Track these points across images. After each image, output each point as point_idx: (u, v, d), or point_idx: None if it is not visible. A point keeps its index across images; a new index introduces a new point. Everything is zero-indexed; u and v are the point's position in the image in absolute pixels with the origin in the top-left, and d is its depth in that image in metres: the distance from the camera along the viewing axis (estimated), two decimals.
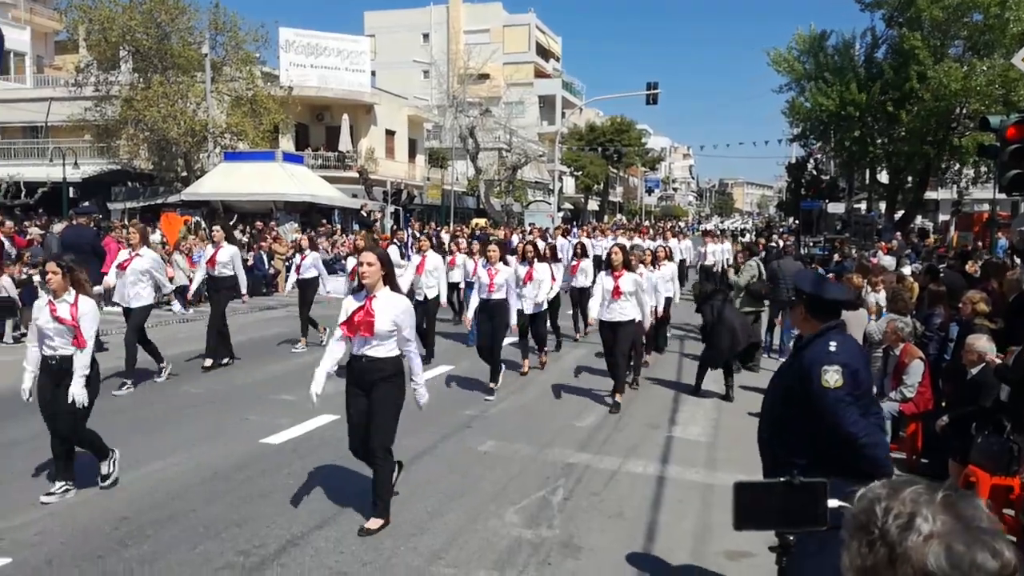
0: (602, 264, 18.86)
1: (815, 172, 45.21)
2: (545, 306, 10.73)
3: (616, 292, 8.50)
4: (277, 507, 5.59)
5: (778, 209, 76.00)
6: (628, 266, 8.75)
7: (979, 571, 1.12)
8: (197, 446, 6.99)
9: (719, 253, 20.54)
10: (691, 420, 8.53)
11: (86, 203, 21.08)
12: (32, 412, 7.88)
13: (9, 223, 16.47)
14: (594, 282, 9.81)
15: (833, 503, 2.47)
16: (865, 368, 3.64)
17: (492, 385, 9.37)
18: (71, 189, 27.06)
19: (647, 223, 45.82)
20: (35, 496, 5.64)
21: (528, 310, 10.28)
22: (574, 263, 13.18)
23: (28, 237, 15.38)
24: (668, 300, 11.99)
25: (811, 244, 28.74)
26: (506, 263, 9.63)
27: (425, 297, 10.94)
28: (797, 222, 40.58)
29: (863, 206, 38.70)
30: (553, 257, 11.92)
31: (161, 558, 4.71)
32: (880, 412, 3.87)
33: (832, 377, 3.40)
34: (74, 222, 12.90)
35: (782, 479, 2.56)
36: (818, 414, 3.43)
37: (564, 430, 7.89)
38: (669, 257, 12.78)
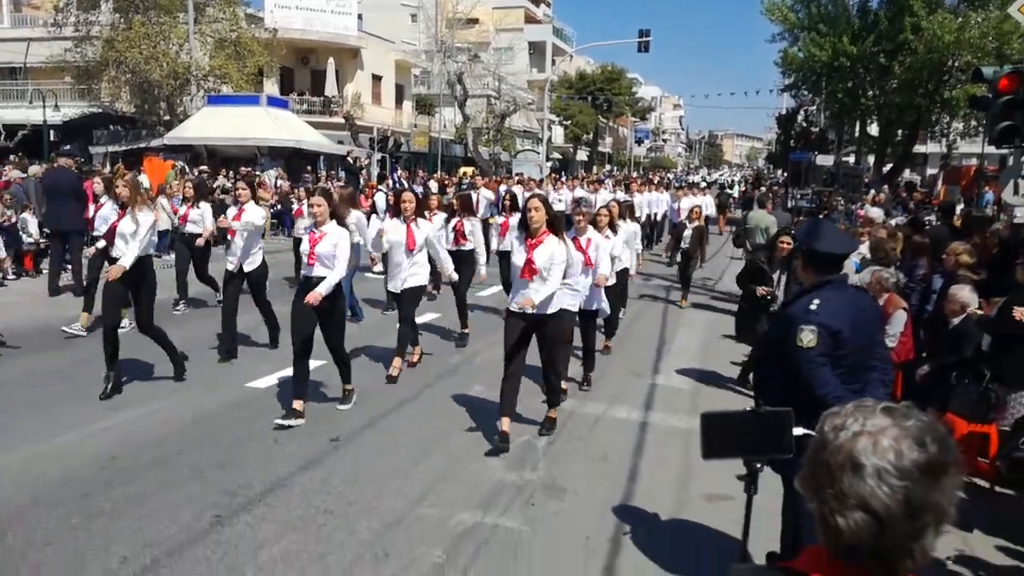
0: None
1: (805, 124, 44.88)
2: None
3: (528, 269, 5.74)
4: (262, 449, 5.63)
5: (767, 161, 75.81)
6: (553, 227, 5.84)
7: (904, 460, 1.16)
8: (183, 390, 6.99)
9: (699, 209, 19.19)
10: (675, 368, 8.60)
11: (67, 146, 20.71)
12: (25, 351, 7.86)
13: None
14: None
15: (799, 431, 2.53)
16: (854, 327, 3.50)
17: (463, 331, 9.28)
18: (52, 132, 26.58)
19: (598, 174, 44.74)
20: (17, 436, 5.65)
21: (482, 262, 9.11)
22: (502, 220, 10.34)
23: (6, 179, 15.11)
24: (623, 272, 9.25)
25: (799, 196, 28.72)
26: (424, 216, 7.82)
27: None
28: (786, 174, 40.50)
29: (852, 159, 38.58)
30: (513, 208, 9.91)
31: (148, 499, 4.74)
32: (886, 368, 3.76)
33: (806, 337, 3.41)
34: (55, 164, 12.66)
35: (747, 408, 2.61)
36: (795, 370, 3.46)
37: None
38: (626, 215, 9.97)
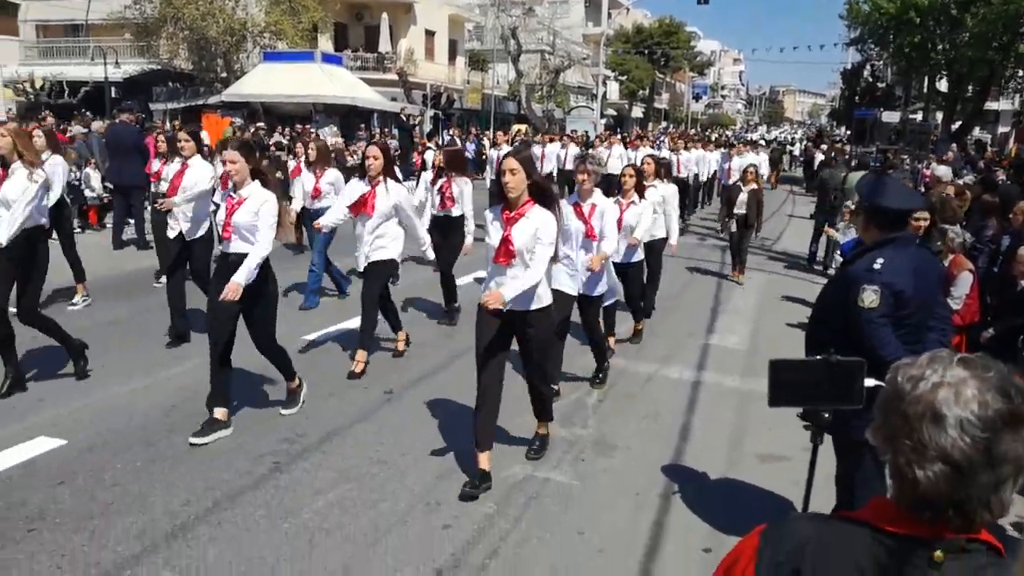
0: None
1: (871, 79, 43.40)
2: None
3: (504, 250, 4.37)
4: (318, 400, 5.74)
5: (830, 118, 73.51)
6: (540, 195, 4.42)
7: (988, 410, 1.15)
8: (242, 341, 7.15)
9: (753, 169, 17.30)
10: (729, 329, 8.48)
11: (128, 102, 21.11)
12: (92, 302, 8.14)
13: (50, 119, 16.62)
14: None
15: (870, 382, 2.48)
16: (917, 287, 3.38)
17: (446, 308, 8.14)
18: (113, 89, 27.10)
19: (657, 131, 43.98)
20: (87, 383, 5.87)
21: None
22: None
23: (70, 134, 15.49)
24: (659, 242, 8.47)
25: (863, 154, 27.85)
26: (396, 177, 6.69)
27: None
28: (849, 132, 39.28)
29: (919, 116, 37.17)
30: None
31: (209, 445, 4.89)
32: (944, 329, 3.64)
33: (868, 297, 3.30)
34: (117, 120, 12.93)
35: (819, 356, 2.55)
36: (856, 330, 3.37)
37: None
38: (661, 174, 8.67)
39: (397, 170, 7.41)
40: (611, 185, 9.37)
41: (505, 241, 4.29)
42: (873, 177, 4.08)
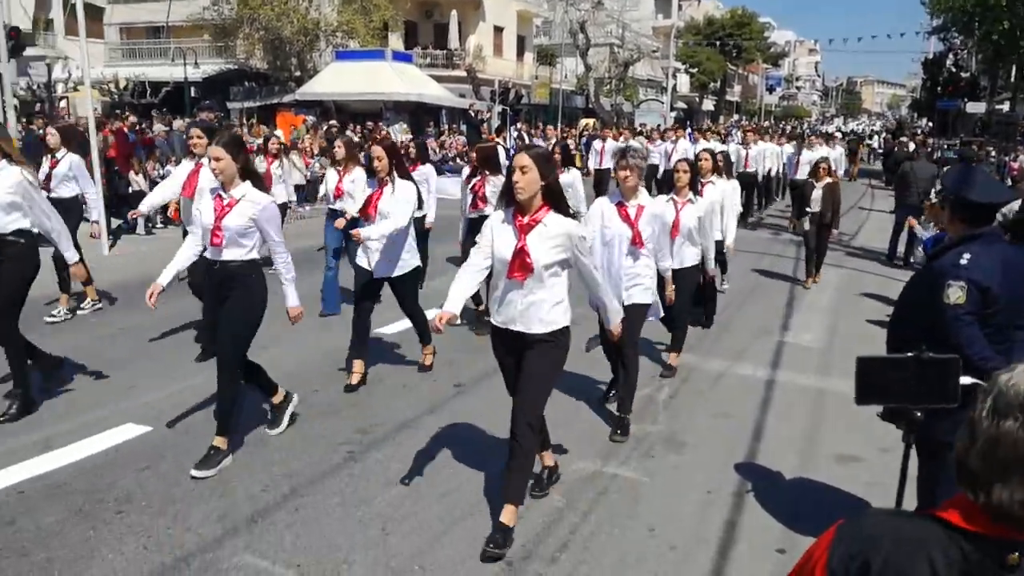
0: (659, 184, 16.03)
1: (954, 69, 41.66)
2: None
3: (520, 263, 3.68)
4: (391, 392, 5.85)
5: (910, 109, 70.94)
6: (556, 201, 3.75)
7: None
8: (316, 332, 7.33)
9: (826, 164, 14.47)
10: (805, 327, 8.29)
11: (207, 101, 21.82)
12: (168, 294, 8.44)
13: (132, 118, 17.27)
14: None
15: (966, 380, 2.39)
16: (1005, 284, 3.23)
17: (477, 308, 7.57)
18: (192, 88, 28.03)
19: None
20: (175, 372, 6.10)
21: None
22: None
23: (151, 135, 16.09)
24: (715, 249, 7.07)
25: (945, 147, 26.81)
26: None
27: None
28: (931, 124, 37.86)
29: (1006, 106, 35.55)
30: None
31: (287, 432, 5.03)
32: None
33: (953, 293, 3.19)
34: (198, 119, 13.39)
35: (910, 354, 2.48)
36: (941, 328, 3.25)
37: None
38: (720, 170, 8.10)
39: (428, 166, 8.30)
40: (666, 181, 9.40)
41: (521, 253, 3.62)
42: (960, 169, 3.92)
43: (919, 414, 2.60)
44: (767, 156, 16.40)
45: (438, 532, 3.89)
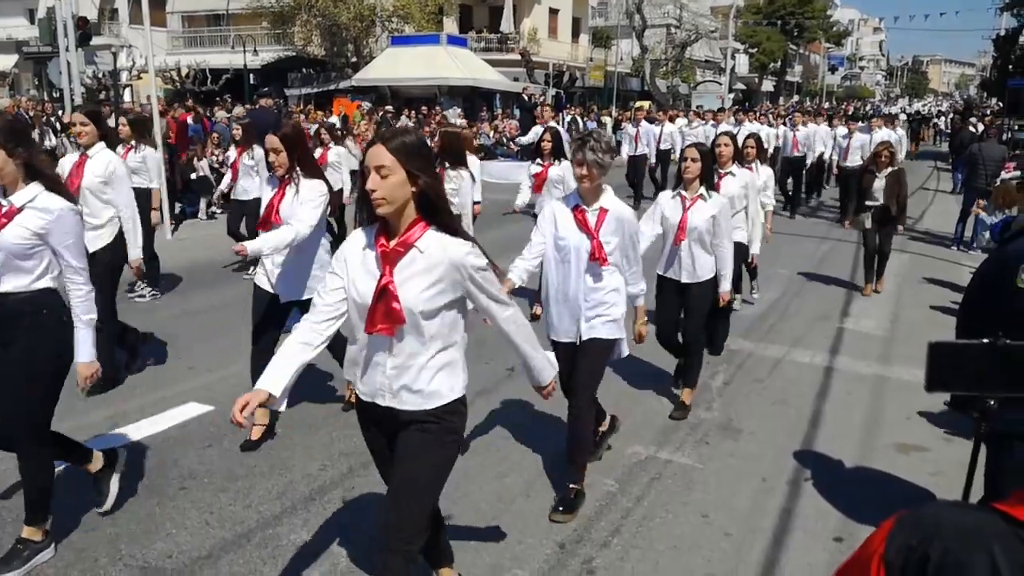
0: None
1: None
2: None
3: (384, 312, 2.48)
4: None
5: (980, 89, 68.35)
6: (431, 212, 2.57)
7: None
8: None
9: (866, 150, 12.19)
10: (865, 313, 8.09)
11: (265, 88, 22.19)
12: (222, 281, 8.68)
13: (191, 104, 17.59)
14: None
15: None
16: None
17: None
18: (251, 75, 28.55)
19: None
20: (235, 352, 6.26)
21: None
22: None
23: (214, 120, 16.44)
24: (739, 249, 6.14)
25: (1016, 128, 25.73)
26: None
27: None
28: (1000, 104, 36.37)
29: None
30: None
31: (342, 414, 5.12)
32: None
33: None
34: (258, 105, 13.64)
35: (984, 340, 2.41)
36: (1014, 312, 3.14)
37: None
38: (755, 154, 7.43)
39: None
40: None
41: (385, 296, 2.41)
42: None
43: (992, 403, 2.52)
44: (818, 139, 15.07)
45: (493, 513, 3.92)
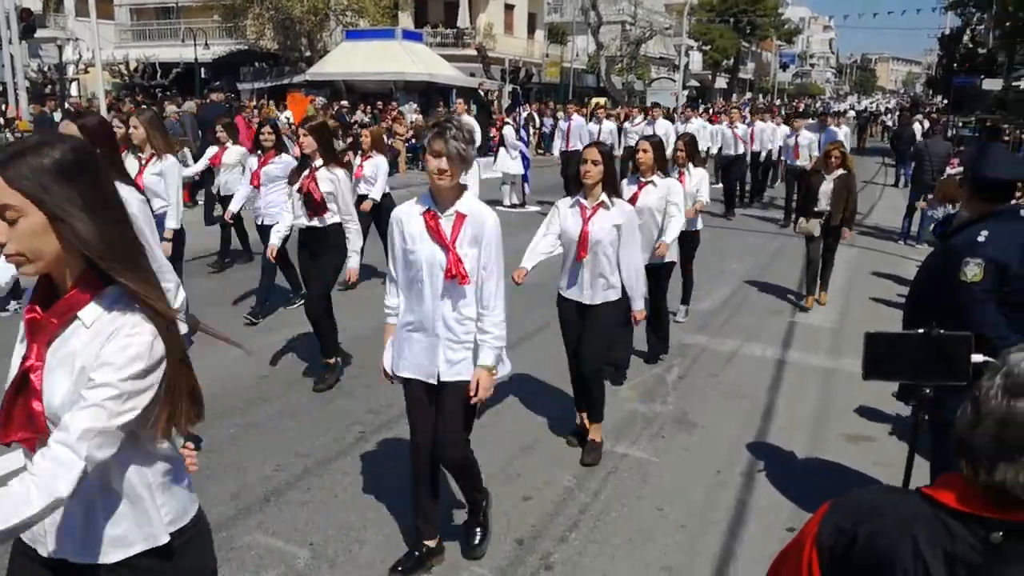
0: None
1: (971, 45, 41.11)
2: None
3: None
4: None
5: (926, 87, 70.17)
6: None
7: None
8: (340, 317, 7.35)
9: (814, 148, 12.37)
10: (816, 307, 8.25)
11: (217, 82, 21.82)
12: (184, 276, 8.50)
13: (141, 99, 17.23)
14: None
15: (978, 358, 2.40)
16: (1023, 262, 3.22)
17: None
18: (202, 69, 28.02)
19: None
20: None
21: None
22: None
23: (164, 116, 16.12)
24: (662, 269, 6.03)
25: (960, 124, 26.52)
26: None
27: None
28: (946, 101, 37.43)
29: (1023, 83, 35.06)
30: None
31: (299, 414, 5.08)
32: None
33: (971, 271, 3.16)
34: (208, 100, 13.40)
35: (920, 330, 2.49)
36: (957, 305, 3.24)
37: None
38: (687, 157, 7.04)
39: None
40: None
41: (24, 391, 1.62)
42: (978, 146, 3.89)
43: (928, 391, 2.61)
44: (766, 137, 14.99)
45: (450, 509, 3.92)
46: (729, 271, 9.62)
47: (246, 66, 30.42)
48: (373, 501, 4.00)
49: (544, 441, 4.80)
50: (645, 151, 5.69)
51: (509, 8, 38.96)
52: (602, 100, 32.29)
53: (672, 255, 6.02)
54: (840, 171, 7.82)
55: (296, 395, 5.40)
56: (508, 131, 14.68)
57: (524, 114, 25.42)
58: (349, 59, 26.25)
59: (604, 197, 4.42)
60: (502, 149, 14.66)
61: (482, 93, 25.42)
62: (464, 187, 3.19)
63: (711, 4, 53.63)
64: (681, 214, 5.72)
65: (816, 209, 7.82)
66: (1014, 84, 33.46)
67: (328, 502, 3.98)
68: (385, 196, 8.30)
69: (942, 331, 2.49)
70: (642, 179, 5.73)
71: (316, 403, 5.27)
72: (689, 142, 7.26)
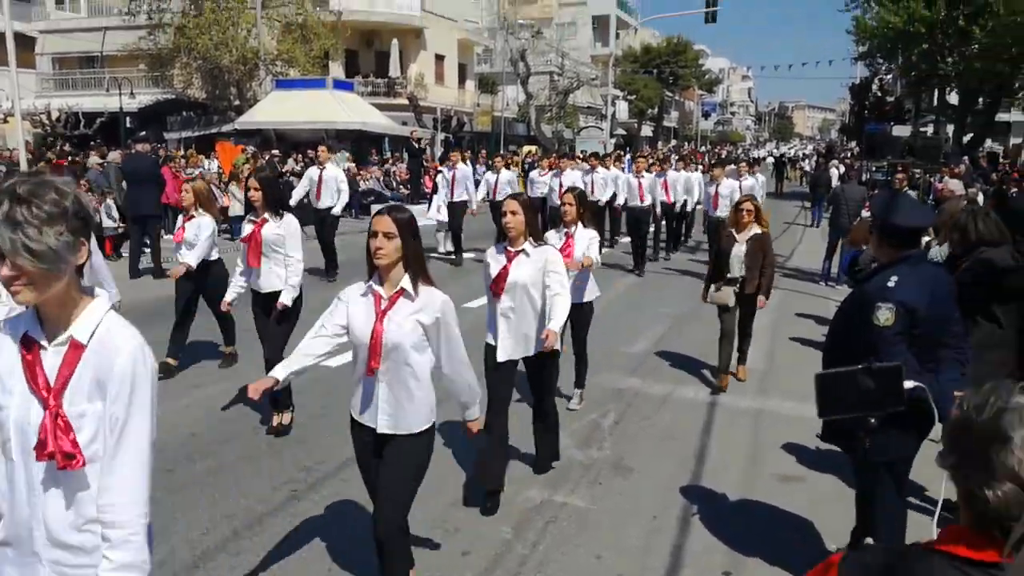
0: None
1: (880, 94, 43.43)
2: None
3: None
4: (335, 427, 5.76)
5: (840, 133, 73.54)
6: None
7: None
8: (259, 367, 7.20)
9: (739, 191, 11.79)
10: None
11: (143, 132, 21.41)
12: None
13: (68, 150, 16.81)
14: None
15: (908, 384, 2.58)
16: (932, 305, 3.38)
17: None
18: (127, 119, 27.47)
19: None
20: None
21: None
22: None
23: (87, 166, 15.73)
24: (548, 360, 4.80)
25: (873, 169, 27.78)
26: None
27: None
28: (859, 146, 39.21)
29: (930, 129, 37.11)
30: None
31: (227, 473, 4.93)
32: (961, 347, 3.62)
33: (883, 315, 3.31)
34: (133, 151, 13.12)
35: (860, 366, 2.65)
36: (871, 346, 3.38)
37: (614, 356, 7.91)
38: (576, 214, 5.83)
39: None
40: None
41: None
42: (885, 195, 4.11)
43: (874, 420, 2.78)
44: (680, 186, 14.40)
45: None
46: (660, 314, 9.81)
47: (173, 115, 29.94)
48: (305, 564, 3.90)
49: (479, 494, 4.76)
50: (513, 212, 4.45)
51: (440, 59, 39.48)
52: (533, 148, 32.86)
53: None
54: (754, 230, 6.87)
55: (225, 453, 5.24)
56: (441, 179, 14.27)
57: (491, 162, 25.65)
58: (280, 108, 26.10)
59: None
60: (435, 197, 14.68)
61: (414, 142, 25.58)
62: (89, 299, 1.88)
63: (635, 55, 55.52)
64: (566, 289, 4.54)
65: (729, 276, 6.88)
66: (921, 130, 35.37)
67: (258, 567, 3.86)
68: (214, 263, 7.10)
69: (879, 364, 2.66)
70: (510, 248, 4.51)
71: (245, 462, 5.13)
72: (578, 197, 5.85)
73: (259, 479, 4.86)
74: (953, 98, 34.30)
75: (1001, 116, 36.55)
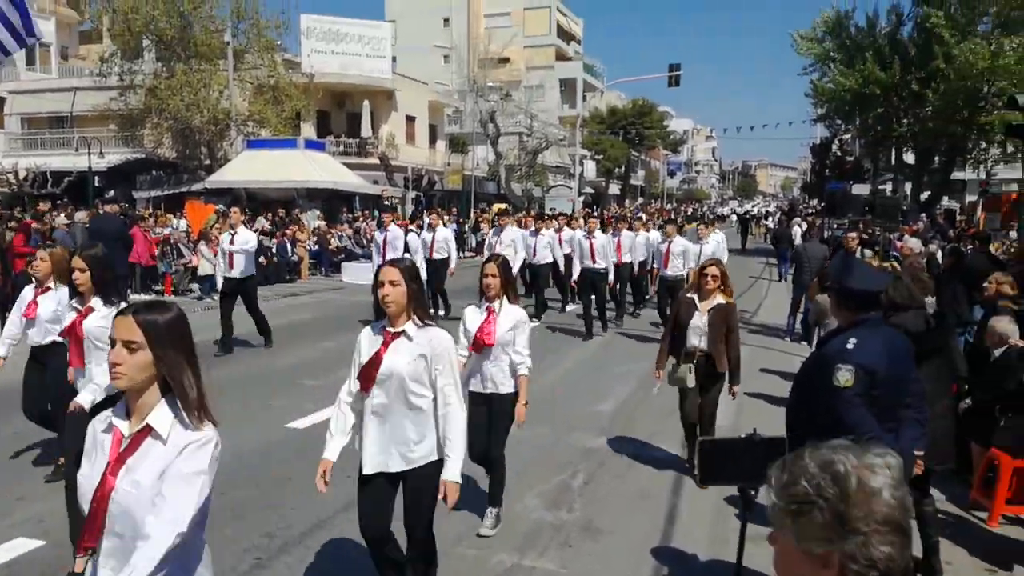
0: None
1: (840, 153, 44.80)
2: None
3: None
4: (303, 491, 5.68)
5: (802, 191, 75.38)
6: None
7: (892, 468, 1.29)
8: (222, 430, 7.08)
9: (691, 256, 11.84)
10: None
11: (111, 192, 21.34)
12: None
13: (44, 207, 16.68)
14: None
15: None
16: (890, 366, 3.48)
17: None
18: (96, 178, 27.37)
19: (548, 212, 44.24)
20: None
21: None
22: None
23: (52, 226, 15.60)
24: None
25: (835, 227, 28.49)
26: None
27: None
28: (821, 204, 40.24)
29: (888, 187, 38.21)
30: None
31: None
32: (920, 406, 3.71)
33: (843, 376, 3.41)
34: (101, 211, 13.07)
35: (743, 435, 2.68)
36: (831, 407, 3.46)
37: (584, 415, 7.93)
38: (500, 286, 4.91)
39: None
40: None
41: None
42: (841, 260, 4.26)
43: (754, 493, 2.79)
44: (634, 246, 14.00)
45: None
46: (629, 372, 9.86)
47: (143, 174, 29.89)
48: None
49: (451, 556, 4.71)
50: (393, 283, 3.44)
51: (411, 120, 40.04)
52: (503, 206, 33.24)
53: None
54: (717, 299, 6.06)
55: None
56: (412, 238, 14.27)
57: (427, 220, 25.83)
58: (250, 167, 26.21)
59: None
60: (407, 255, 14.73)
61: (386, 202, 25.78)
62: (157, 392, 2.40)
63: (602, 117, 56.85)
64: (459, 399, 3.57)
65: (686, 349, 6.09)
66: (880, 188, 36.41)
67: None
68: (59, 345, 5.51)
69: (762, 435, 2.70)
70: (388, 328, 3.53)
71: (208, 528, 5.02)
72: (502, 266, 4.96)
73: (222, 546, 4.75)
74: (910, 157, 35.48)
75: (956, 175, 37.76)
